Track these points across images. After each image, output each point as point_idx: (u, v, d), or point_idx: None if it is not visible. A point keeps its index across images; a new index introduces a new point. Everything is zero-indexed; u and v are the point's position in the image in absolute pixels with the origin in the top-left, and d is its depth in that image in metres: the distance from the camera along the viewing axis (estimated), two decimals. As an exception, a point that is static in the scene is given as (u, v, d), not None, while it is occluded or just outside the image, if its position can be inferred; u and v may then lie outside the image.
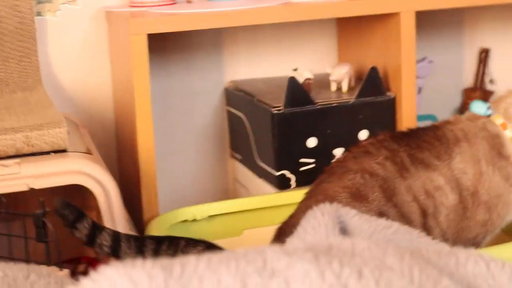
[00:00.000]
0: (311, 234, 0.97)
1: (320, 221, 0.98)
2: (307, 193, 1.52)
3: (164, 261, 0.77)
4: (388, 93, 1.96)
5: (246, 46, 2.20)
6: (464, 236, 1.52)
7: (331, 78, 1.98)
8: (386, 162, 1.48)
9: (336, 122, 1.91)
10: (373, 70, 1.93)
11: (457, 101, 2.41)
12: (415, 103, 1.95)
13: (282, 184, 1.90)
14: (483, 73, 2.33)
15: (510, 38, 2.40)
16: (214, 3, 1.96)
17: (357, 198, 1.45)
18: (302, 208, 1.47)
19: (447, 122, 1.58)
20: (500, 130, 1.56)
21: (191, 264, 0.77)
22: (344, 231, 1.01)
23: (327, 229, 0.97)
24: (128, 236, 1.41)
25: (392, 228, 1.03)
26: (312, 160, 1.91)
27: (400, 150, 1.50)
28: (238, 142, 2.13)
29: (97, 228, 1.38)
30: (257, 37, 2.20)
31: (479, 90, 2.35)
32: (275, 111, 1.88)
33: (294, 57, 2.23)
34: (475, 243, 1.53)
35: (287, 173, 1.89)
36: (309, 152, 1.91)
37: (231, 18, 1.85)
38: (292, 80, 1.88)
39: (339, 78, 1.98)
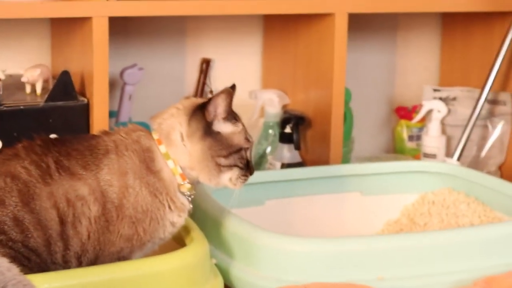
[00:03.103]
0: None
1: None
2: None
3: None
4: (81, 98, 1.93)
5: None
6: (108, 249, 1.50)
7: (23, 79, 1.94)
8: (31, 167, 1.45)
9: (24, 126, 1.86)
10: (64, 73, 1.90)
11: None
12: (107, 109, 1.93)
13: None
14: (204, 83, 2.34)
15: (231, 49, 2.43)
16: None
17: (-6, 202, 1.42)
18: None
19: (105, 133, 1.57)
20: (153, 144, 1.54)
21: None
22: None
23: None
24: None
25: None
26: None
27: (49, 155, 1.48)
28: None
29: None
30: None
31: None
32: (-44, 111, 1.82)
33: (4, 55, 2.17)
34: (120, 258, 1.51)
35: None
36: (-7, 155, 1.85)
37: None
38: (-24, 80, 1.83)
39: (32, 80, 1.94)
